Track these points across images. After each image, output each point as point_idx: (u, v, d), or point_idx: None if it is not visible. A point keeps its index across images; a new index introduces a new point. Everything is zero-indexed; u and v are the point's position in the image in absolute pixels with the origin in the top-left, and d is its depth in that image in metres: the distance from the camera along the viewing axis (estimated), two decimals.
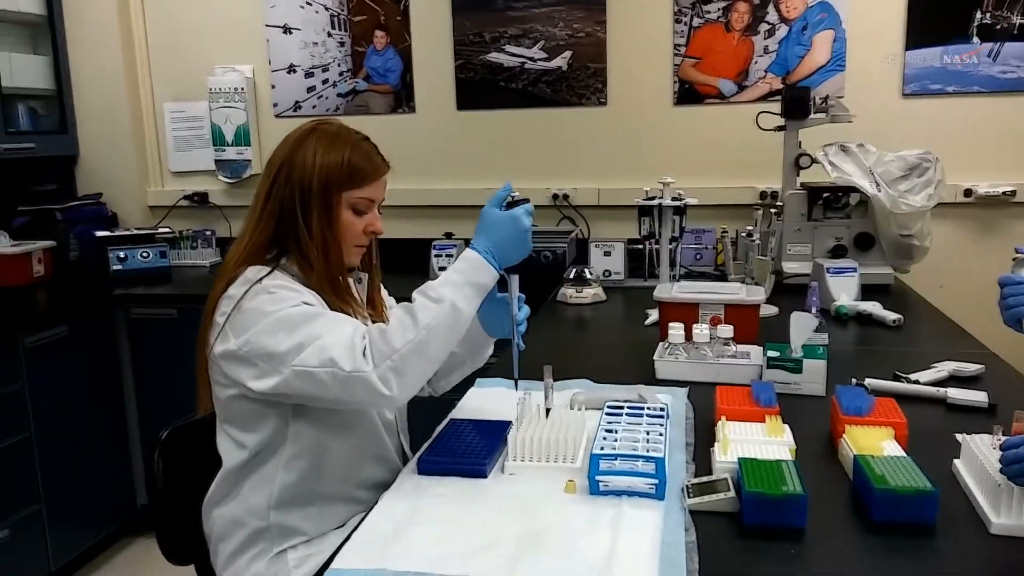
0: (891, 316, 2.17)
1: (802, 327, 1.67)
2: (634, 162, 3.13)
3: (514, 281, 1.41)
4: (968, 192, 2.92)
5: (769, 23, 2.97)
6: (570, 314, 2.47)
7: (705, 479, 1.21)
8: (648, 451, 1.24)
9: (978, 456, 1.18)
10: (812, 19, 2.93)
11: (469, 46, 3.19)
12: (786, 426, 1.35)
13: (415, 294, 1.29)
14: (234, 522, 1.34)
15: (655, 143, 3.12)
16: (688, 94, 3.07)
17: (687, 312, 1.92)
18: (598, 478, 1.20)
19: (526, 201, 1.39)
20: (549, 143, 3.19)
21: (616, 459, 1.21)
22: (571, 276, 2.54)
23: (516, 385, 1.42)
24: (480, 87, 3.20)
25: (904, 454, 1.22)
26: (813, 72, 2.97)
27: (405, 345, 1.21)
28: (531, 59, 3.15)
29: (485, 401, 1.63)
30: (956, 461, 1.26)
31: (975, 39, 2.85)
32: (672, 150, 3.10)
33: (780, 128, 2.70)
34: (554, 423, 1.38)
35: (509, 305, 1.41)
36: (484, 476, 1.27)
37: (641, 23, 3.06)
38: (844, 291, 2.32)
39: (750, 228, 2.35)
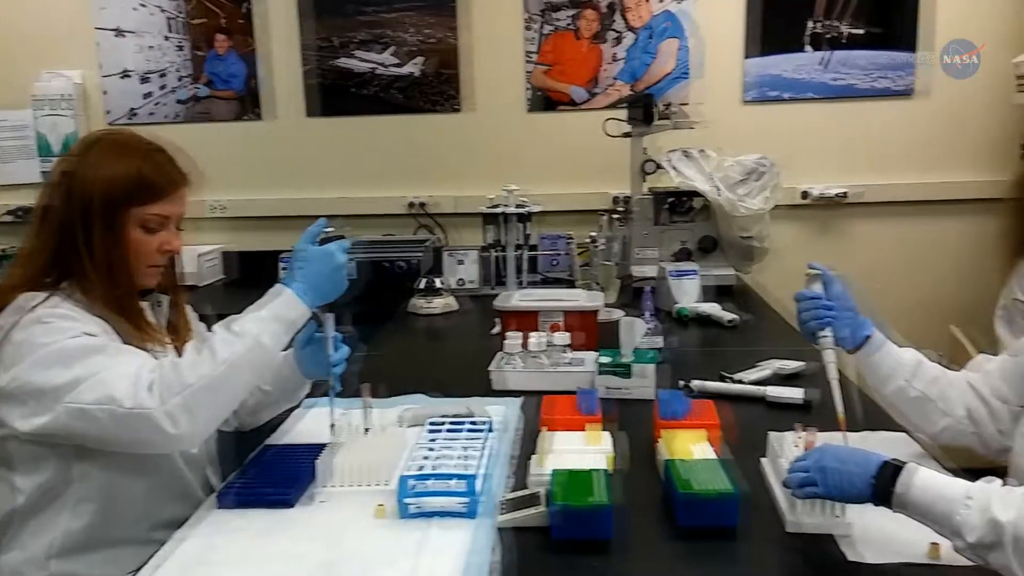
0: (728, 316, 2.23)
1: (632, 331, 1.68)
2: (491, 169, 3.10)
3: (329, 321, 1.34)
4: (805, 194, 3.06)
5: (616, 31, 3.02)
6: (420, 325, 2.42)
7: (519, 494, 1.18)
8: (462, 468, 1.20)
9: (779, 454, 1.20)
10: (657, 28, 3.00)
11: (318, 51, 3.09)
12: (606, 434, 1.35)
13: (216, 327, 1.22)
14: (10, 573, 1.21)
15: (510, 150, 3.11)
16: (542, 101, 3.09)
17: (528, 320, 1.90)
18: (407, 500, 1.15)
19: (342, 237, 1.34)
20: (404, 150, 3.14)
21: (427, 479, 1.17)
22: (421, 286, 2.49)
23: (332, 430, 1.34)
24: (331, 93, 3.11)
25: (715, 456, 1.23)
26: (660, 79, 3.04)
27: (199, 380, 1.13)
28: (382, 65, 3.09)
29: (313, 423, 1.55)
30: (763, 460, 1.29)
31: (808, 48, 2.99)
32: (527, 157, 3.10)
33: (627, 135, 2.75)
34: (373, 444, 1.33)
35: (324, 344, 1.35)
36: (290, 505, 1.20)
37: (493, 30, 3.06)
38: (685, 293, 2.37)
39: (594, 233, 2.37)
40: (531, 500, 1.15)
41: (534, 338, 1.75)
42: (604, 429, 1.36)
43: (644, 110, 2.68)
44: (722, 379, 1.72)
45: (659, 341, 1.89)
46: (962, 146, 3.01)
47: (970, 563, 0.97)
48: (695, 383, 1.67)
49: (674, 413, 1.34)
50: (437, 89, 3.09)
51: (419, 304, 2.47)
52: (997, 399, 1.30)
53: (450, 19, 3.04)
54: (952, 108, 2.98)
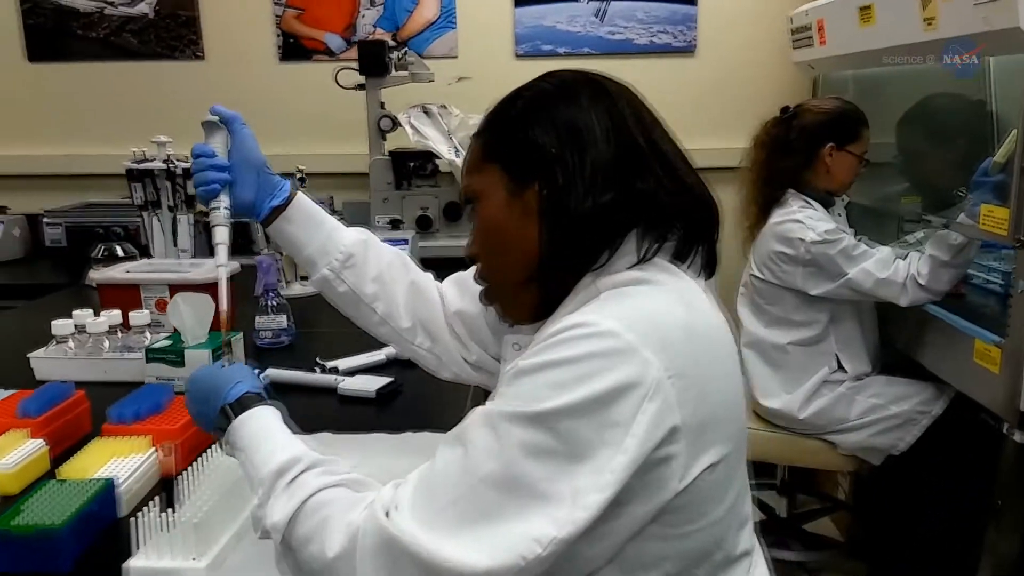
0: None
1: (199, 311, 1.40)
2: None
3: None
4: None
5: None
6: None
7: None
8: None
9: None
10: None
11: None
12: (37, 443, 1.07)
13: None
14: None
15: (261, 102, 2.76)
16: (294, 49, 2.77)
17: (130, 296, 1.62)
18: None
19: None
20: (139, 101, 2.79)
21: None
22: (100, 255, 2.18)
23: None
24: (53, 35, 2.75)
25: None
26: (424, 28, 2.75)
27: None
28: (111, 4, 2.73)
29: None
30: None
31: None
32: (280, 110, 2.78)
33: (361, 87, 2.46)
34: None
35: None
36: None
37: None
38: None
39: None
40: None
41: (136, 317, 1.48)
42: (37, 436, 1.08)
43: (375, 58, 2.39)
44: (321, 369, 1.46)
45: (281, 321, 1.62)
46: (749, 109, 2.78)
47: None
48: (271, 371, 1.41)
49: (121, 416, 1.07)
50: (175, 33, 2.75)
51: (95, 277, 2.16)
52: (465, 324, 1.07)
53: None
54: (732, 68, 2.74)
